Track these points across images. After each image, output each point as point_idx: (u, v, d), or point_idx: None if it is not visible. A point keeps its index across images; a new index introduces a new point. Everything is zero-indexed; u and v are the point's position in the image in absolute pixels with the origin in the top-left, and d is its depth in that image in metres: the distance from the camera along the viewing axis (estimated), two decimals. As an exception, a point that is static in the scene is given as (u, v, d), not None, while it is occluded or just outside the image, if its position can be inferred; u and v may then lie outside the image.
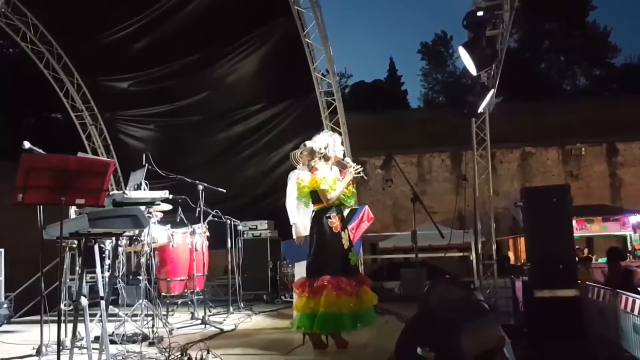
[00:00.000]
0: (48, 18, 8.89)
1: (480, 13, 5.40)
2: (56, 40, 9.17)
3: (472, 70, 5.77)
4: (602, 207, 15.14)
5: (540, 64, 31.40)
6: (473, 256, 8.10)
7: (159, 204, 4.92)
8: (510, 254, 15.01)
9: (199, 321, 5.65)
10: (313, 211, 4.27)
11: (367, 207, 6.04)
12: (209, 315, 5.87)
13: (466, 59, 5.71)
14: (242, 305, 6.97)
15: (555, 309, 5.00)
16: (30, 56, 9.31)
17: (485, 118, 7.95)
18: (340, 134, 8.65)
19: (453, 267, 12.05)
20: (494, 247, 7.86)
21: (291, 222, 5.31)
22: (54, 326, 3.45)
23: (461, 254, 9.48)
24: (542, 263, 5.22)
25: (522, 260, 11.74)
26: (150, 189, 4.98)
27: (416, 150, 17.72)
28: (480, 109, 7.07)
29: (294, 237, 5.28)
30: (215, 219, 6.62)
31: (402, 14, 71.78)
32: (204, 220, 6.08)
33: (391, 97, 31.91)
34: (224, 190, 6.33)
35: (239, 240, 7.35)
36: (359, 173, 4.29)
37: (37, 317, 4.03)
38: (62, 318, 3.68)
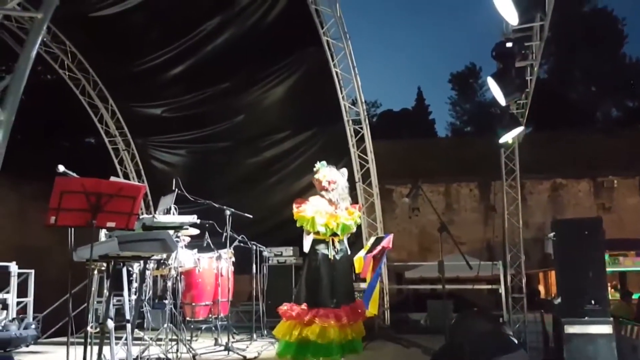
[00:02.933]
0: (85, 46, 9.20)
1: (509, 44, 5.39)
2: (92, 67, 9.47)
3: (501, 100, 5.74)
4: (636, 242, 14.67)
5: (571, 94, 30.98)
6: (502, 289, 7.91)
7: (187, 229, 4.98)
8: (541, 288, 14.61)
9: (223, 347, 5.63)
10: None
11: (391, 235, 6.00)
12: (233, 342, 5.85)
13: (495, 90, 5.68)
14: (265, 332, 6.92)
15: (586, 346, 4.84)
16: (66, 82, 9.62)
17: (515, 148, 7.87)
18: (367, 161, 8.68)
19: (481, 299, 11.78)
20: (524, 280, 7.67)
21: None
22: (80, 348, 3.48)
23: (490, 286, 9.26)
24: (573, 298, 5.07)
25: (553, 294, 11.41)
26: (179, 214, 5.05)
27: (443, 179, 17.54)
28: (509, 139, 7.00)
29: None
30: (241, 244, 6.64)
31: (430, 44, 72.23)
32: (230, 246, 6.11)
33: (418, 126, 31.84)
34: (251, 216, 6.36)
35: (264, 266, 7.34)
36: None
37: (64, 339, 4.07)
38: (89, 340, 3.71)
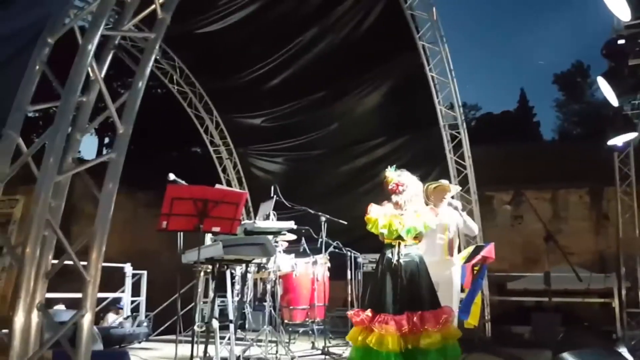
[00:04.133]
0: (192, 61, 9.81)
1: (621, 41, 5.00)
2: (198, 81, 10.06)
3: (613, 101, 5.34)
4: None
5: (696, 91, 28.08)
6: (616, 303, 7.34)
7: (284, 234, 5.14)
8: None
9: (319, 351, 5.71)
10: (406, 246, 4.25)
11: (492, 244, 5.78)
12: (329, 347, 5.91)
13: (606, 90, 5.29)
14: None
15: None
16: (175, 96, 10.30)
17: (630, 152, 7.30)
18: (464, 167, 8.44)
19: (592, 314, 10.96)
20: (641, 294, 7.06)
21: None
22: (188, 346, 3.70)
23: (602, 300, 8.61)
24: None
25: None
26: (278, 219, 5.22)
27: (550, 185, 16.54)
28: (623, 143, 6.49)
29: None
30: (336, 250, 6.72)
31: (533, 43, 68.55)
32: (325, 251, 6.20)
33: (522, 129, 30.28)
34: (345, 222, 6.41)
35: (359, 273, 7.35)
36: None
37: (173, 336, 4.35)
38: (195, 338, 3.94)
